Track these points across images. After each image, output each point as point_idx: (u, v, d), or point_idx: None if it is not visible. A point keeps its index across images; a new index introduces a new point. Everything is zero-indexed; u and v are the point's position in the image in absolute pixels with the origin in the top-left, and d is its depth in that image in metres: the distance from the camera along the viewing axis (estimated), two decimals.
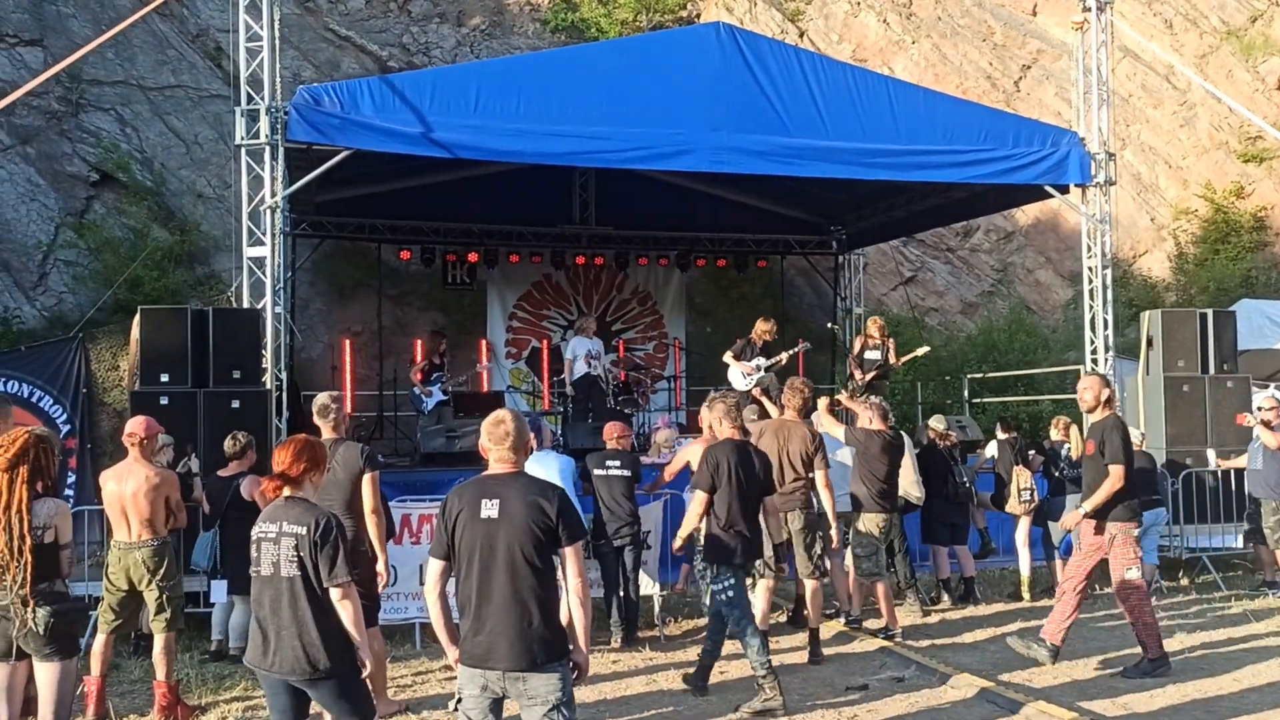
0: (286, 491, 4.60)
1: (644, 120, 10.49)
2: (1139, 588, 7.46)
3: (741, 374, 12.25)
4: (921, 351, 13.30)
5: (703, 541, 7.28)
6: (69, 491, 11.81)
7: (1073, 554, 7.79)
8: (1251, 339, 13.62)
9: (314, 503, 4.69)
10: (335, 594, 4.48)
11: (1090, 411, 7.82)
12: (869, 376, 12.94)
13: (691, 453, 8.63)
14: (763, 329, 12.52)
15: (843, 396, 10.61)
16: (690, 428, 14.37)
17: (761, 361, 12.24)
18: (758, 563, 8.00)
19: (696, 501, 7.01)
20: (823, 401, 9.56)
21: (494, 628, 4.22)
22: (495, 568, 4.25)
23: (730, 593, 6.91)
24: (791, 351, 12.56)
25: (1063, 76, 19.69)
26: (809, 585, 8.17)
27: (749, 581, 8.64)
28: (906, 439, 10.31)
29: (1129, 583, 7.40)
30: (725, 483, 6.92)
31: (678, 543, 7.27)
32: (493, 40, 18.64)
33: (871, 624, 8.86)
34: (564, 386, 13.74)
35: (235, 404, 9.28)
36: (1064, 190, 12.08)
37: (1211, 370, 11.72)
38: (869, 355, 13.04)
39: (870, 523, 8.70)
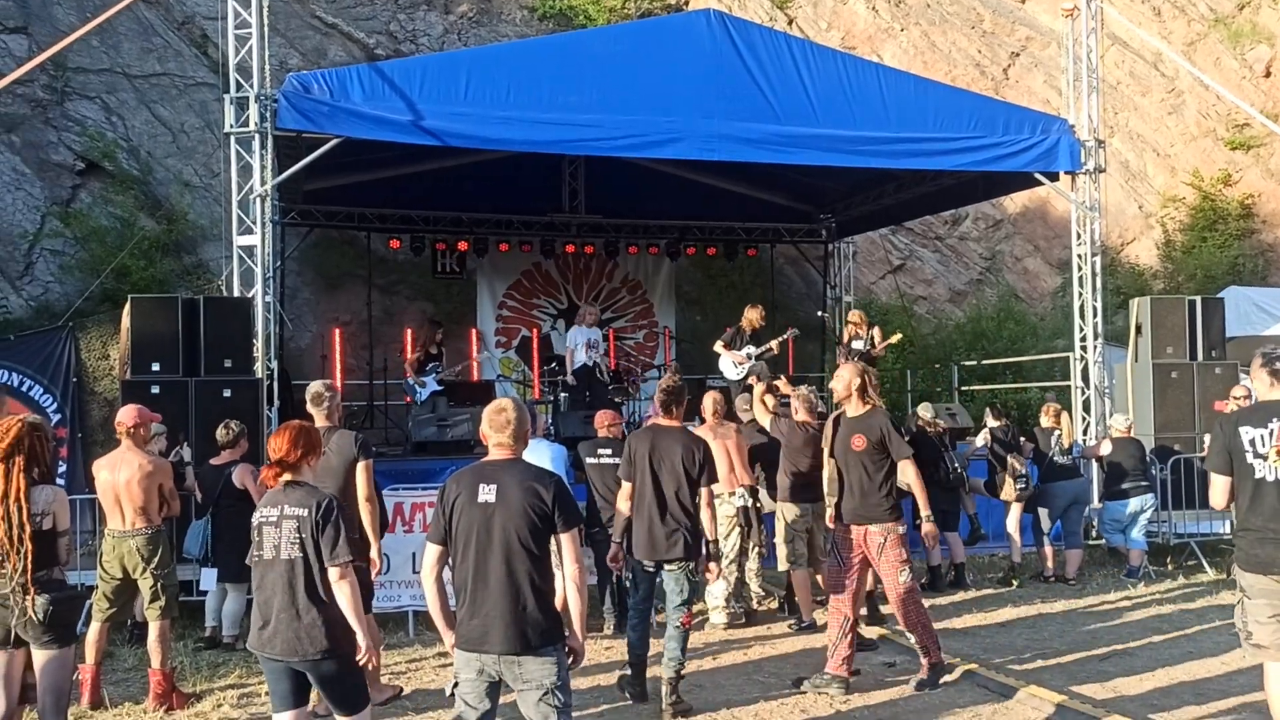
0: (286, 477, 4.61)
1: (635, 108, 10.49)
2: (913, 591, 6.90)
3: (733, 363, 12.25)
4: (896, 338, 13.32)
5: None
6: (60, 481, 11.75)
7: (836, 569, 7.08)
8: (1239, 326, 13.68)
9: (315, 486, 4.70)
10: (334, 574, 4.47)
11: (842, 403, 7.01)
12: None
13: None
14: (751, 316, 12.50)
15: (781, 383, 10.50)
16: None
17: (751, 350, 12.24)
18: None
19: (621, 494, 6.77)
20: (758, 387, 9.53)
21: (489, 611, 4.24)
22: (491, 552, 4.26)
23: (627, 584, 6.90)
24: (781, 339, 12.57)
25: (1051, 64, 19.74)
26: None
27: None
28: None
29: (904, 587, 6.82)
30: (639, 473, 6.60)
31: (615, 535, 6.88)
32: (480, 28, 18.58)
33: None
34: (554, 375, 13.75)
35: (227, 393, 9.27)
36: (1054, 178, 12.12)
37: (1200, 357, 11.78)
38: (855, 345, 13.09)
39: (788, 513, 8.66)
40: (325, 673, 4.53)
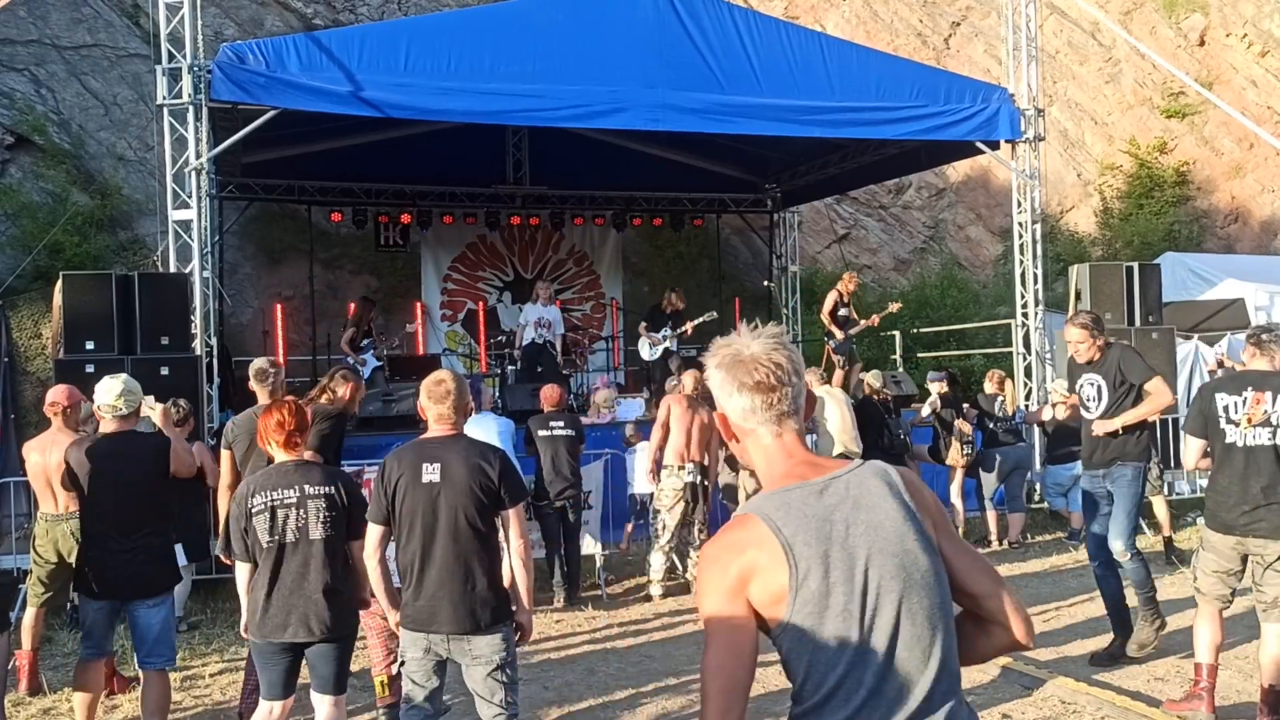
0: (294, 455, 4.54)
1: (578, 78, 10.39)
2: None
3: (648, 345, 12.35)
4: (895, 307, 13.51)
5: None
6: None
7: None
8: (1175, 291, 13.91)
9: (319, 463, 4.69)
10: (359, 544, 4.51)
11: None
12: (850, 333, 13.19)
13: None
14: (671, 298, 12.72)
15: None
16: (629, 388, 14.38)
17: (667, 332, 12.36)
18: None
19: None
20: None
21: (436, 591, 4.22)
22: (437, 532, 4.23)
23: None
24: (698, 321, 12.62)
25: (991, 34, 19.86)
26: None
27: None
28: (841, 394, 10.41)
29: None
30: None
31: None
32: None
33: None
34: (501, 349, 13.67)
35: (165, 370, 9.07)
36: (995, 146, 12.21)
37: (1138, 322, 11.95)
38: (841, 313, 13.25)
39: (749, 484, 8.70)
40: (330, 650, 4.49)
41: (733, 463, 9.29)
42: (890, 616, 2.02)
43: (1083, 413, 6.66)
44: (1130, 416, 6.39)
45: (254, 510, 4.40)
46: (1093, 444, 6.63)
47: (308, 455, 4.86)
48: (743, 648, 2.01)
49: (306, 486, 4.43)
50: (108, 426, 5.33)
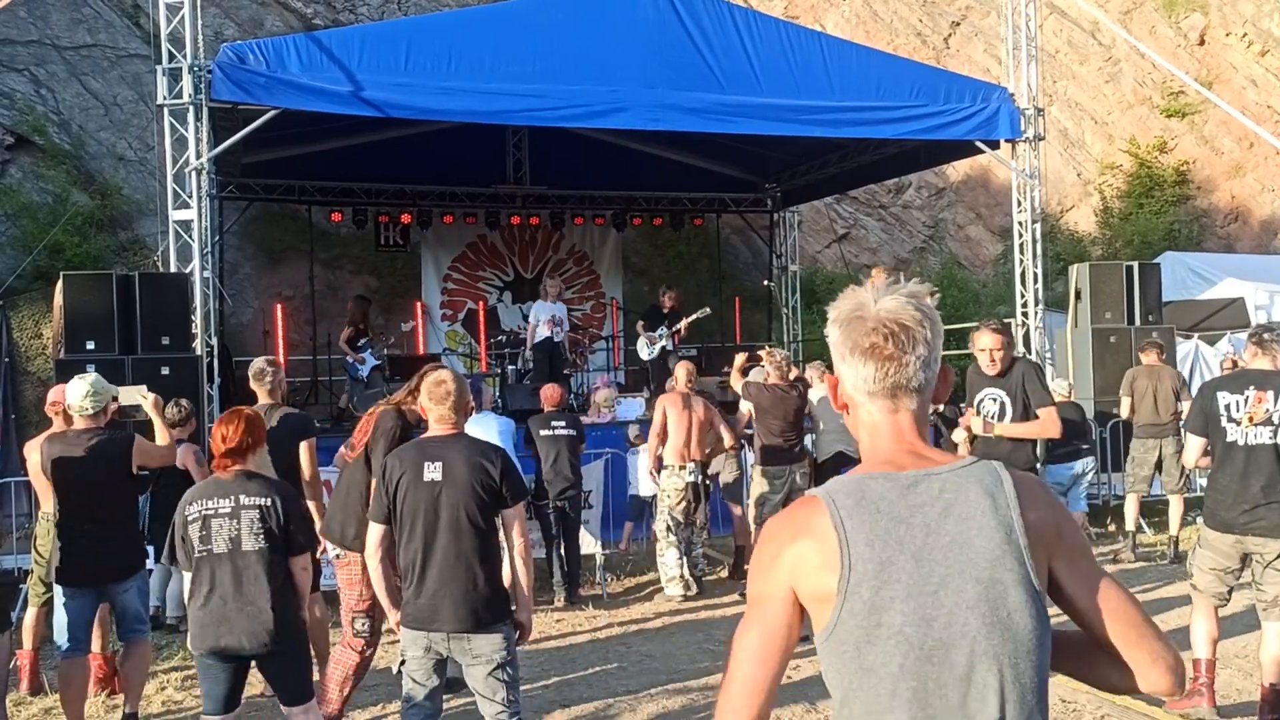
0: (237, 467, 4.54)
1: (578, 77, 10.39)
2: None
3: (646, 344, 12.39)
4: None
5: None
6: None
7: None
8: (1175, 291, 13.93)
9: (264, 475, 4.66)
10: (304, 560, 4.55)
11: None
12: None
13: None
14: (664, 298, 12.76)
15: (763, 352, 10.54)
16: (629, 387, 14.39)
17: (664, 331, 12.39)
18: None
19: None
20: (739, 358, 9.62)
21: (438, 590, 4.22)
22: (439, 530, 4.24)
23: None
24: (692, 318, 12.66)
25: (991, 33, 19.87)
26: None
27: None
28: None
29: None
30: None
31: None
32: None
33: None
34: (502, 348, 13.69)
35: (165, 370, 9.09)
36: (994, 146, 12.21)
37: (1138, 321, 11.97)
38: None
39: (763, 482, 8.58)
40: (284, 662, 4.52)
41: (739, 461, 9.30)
42: (961, 655, 1.68)
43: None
44: (1013, 430, 6.28)
45: (189, 519, 4.47)
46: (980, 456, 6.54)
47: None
48: (777, 639, 1.77)
49: (242, 497, 4.46)
50: (77, 425, 5.61)
